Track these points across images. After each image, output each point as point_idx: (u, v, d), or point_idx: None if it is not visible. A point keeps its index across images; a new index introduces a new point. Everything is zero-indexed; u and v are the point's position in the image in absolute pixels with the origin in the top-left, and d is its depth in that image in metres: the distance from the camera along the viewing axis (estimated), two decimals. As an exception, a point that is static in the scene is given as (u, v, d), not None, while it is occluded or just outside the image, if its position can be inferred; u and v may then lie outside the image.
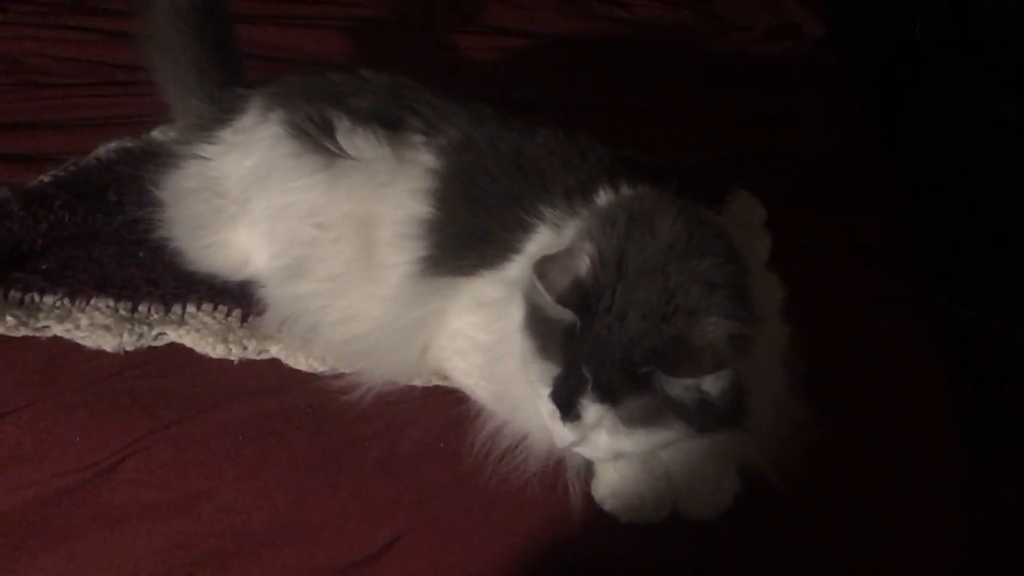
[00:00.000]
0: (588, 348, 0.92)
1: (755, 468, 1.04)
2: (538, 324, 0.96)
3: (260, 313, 1.20)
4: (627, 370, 0.91)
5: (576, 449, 0.98)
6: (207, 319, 1.19)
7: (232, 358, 1.16)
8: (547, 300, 0.93)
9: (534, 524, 1.03)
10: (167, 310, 1.21)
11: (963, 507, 1.13)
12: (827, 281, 1.32)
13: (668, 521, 1.02)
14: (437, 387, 1.15)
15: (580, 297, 0.93)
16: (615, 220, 0.99)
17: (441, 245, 1.13)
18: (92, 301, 1.21)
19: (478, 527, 1.04)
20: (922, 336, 1.33)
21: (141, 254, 1.28)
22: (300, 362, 1.16)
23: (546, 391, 0.95)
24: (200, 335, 1.17)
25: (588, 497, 1.04)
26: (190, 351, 1.17)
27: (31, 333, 1.17)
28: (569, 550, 1.03)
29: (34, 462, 1.10)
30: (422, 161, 1.18)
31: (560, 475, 1.04)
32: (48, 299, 1.21)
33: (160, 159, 1.33)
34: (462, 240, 1.13)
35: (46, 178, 1.38)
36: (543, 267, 0.94)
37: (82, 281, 1.23)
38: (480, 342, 1.10)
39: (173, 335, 1.17)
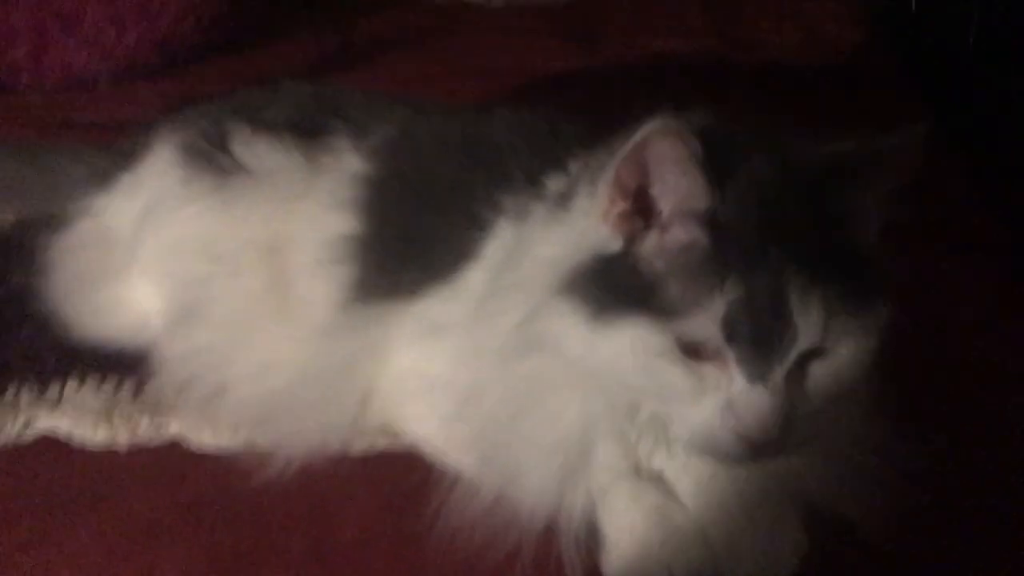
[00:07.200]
0: (767, 227, 0.68)
1: (829, 511, 0.75)
2: (659, 284, 0.69)
3: (153, 378, 0.94)
4: (815, 218, 0.70)
5: (775, 433, 0.67)
6: (88, 397, 0.93)
7: (118, 447, 0.90)
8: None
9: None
10: (42, 391, 0.95)
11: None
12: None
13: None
14: (382, 453, 0.87)
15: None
16: None
17: (374, 264, 0.90)
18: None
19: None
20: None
21: (24, 330, 1.04)
22: (205, 438, 0.89)
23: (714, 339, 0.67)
24: (79, 416, 0.91)
25: (592, 577, 0.74)
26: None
27: None
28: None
29: None
30: (345, 167, 0.96)
31: (551, 550, 0.76)
32: None
33: (52, 219, 1.11)
34: (400, 254, 0.89)
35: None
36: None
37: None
38: (440, 377, 0.85)
39: (44, 422, 0.91)
